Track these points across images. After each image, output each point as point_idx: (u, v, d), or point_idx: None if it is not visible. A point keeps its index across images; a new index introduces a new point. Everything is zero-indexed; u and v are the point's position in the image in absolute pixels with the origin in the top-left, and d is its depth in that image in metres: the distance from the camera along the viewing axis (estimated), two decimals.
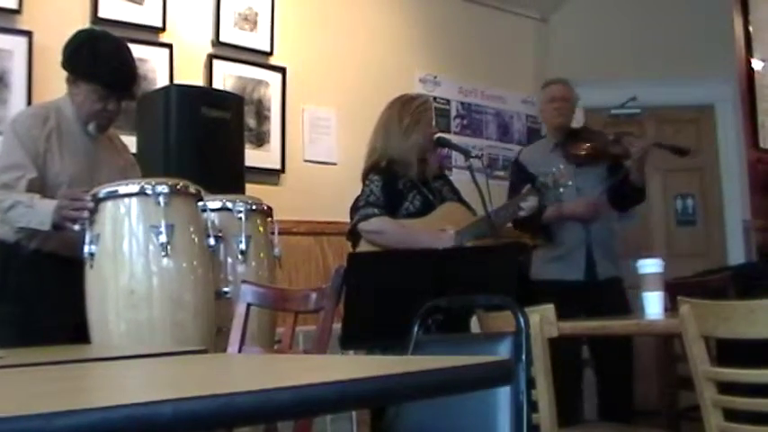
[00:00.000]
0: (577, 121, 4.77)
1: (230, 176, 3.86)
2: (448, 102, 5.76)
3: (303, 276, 4.69)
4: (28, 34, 3.95)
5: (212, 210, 3.01)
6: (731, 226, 6.15)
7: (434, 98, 5.57)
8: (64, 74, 3.12)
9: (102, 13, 4.19)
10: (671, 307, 2.98)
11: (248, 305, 2.56)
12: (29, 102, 3.87)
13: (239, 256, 3.04)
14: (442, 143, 4.01)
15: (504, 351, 1.81)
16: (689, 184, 6.26)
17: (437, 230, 3.65)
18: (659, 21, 6.16)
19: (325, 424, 4.12)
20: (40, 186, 2.96)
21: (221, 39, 4.67)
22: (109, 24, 4.09)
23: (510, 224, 4.13)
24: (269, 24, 4.85)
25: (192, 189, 2.80)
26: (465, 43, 5.87)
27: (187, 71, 4.49)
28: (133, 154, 3.65)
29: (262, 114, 4.79)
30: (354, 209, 3.75)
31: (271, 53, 4.86)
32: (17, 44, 3.93)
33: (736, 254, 6.03)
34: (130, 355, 1.74)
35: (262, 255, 3.13)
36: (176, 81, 4.35)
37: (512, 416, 1.75)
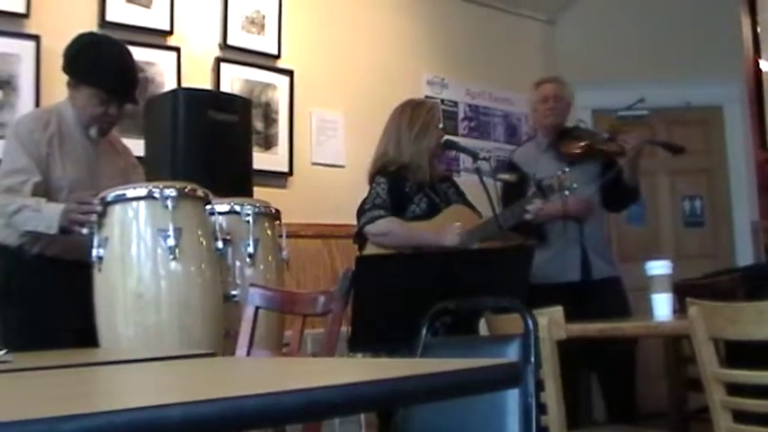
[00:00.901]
0: (586, 123, 4.75)
1: (238, 180, 3.86)
2: (455, 104, 5.75)
3: (311, 279, 4.69)
4: (36, 38, 3.96)
5: (220, 213, 3.02)
6: (739, 227, 6.13)
7: (442, 100, 5.58)
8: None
9: (109, 17, 4.20)
10: (679, 309, 2.97)
11: (256, 308, 2.55)
12: (36, 105, 3.88)
13: (247, 260, 3.05)
14: (450, 146, 4.01)
15: (512, 353, 1.80)
16: (697, 186, 6.25)
17: (441, 227, 3.66)
18: (667, 22, 6.15)
19: (333, 427, 4.12)
20: (45, 190, 2.97)
21: (229, 42, 4.67)
22: (116, 28, 4.10)
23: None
24: (276, 27, 4.85)
25: (200, 192, 2.81)
26: (472, 45, 5.86)
27: (195, 74, 4.49)
28: (140, 157, 3.66)
29: (269, 117, 4.79)
30: (360, 212, 3.76)
31: (278, 56, 4.87)
32: (25, 48, 3.94)
33: (745, 255, 6.01)
34: (138, 358, 1.74)
35: (270, 258, 3.14)
36: (184, 84, 4.36)
37: (520, 418, 1.75)
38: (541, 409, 2.19)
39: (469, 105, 5.84)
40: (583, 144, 4.26)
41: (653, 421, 4.46)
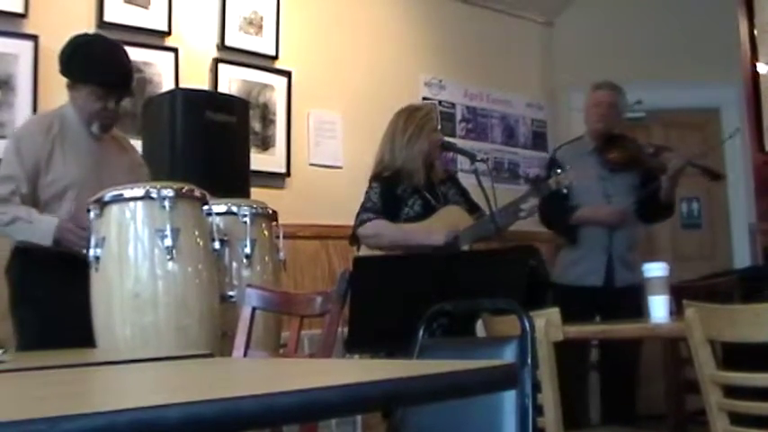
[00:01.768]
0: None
1: (235, 180, 3.86)
2: (453, 105, 5.75)
3: (308, 280, 4.69)
4: (34, 38, 3.96)
5: (217, 214, 3.02)
6: (737, 229, 6.13)
7: (440, 102, 5.58)
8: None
9: (107, 17, 4.20)
10: (677, 310, 2.98)
11: (253, 309, 2.55)
12: (34, 105, 3.89)
13: (244, 260, 3.04)
14: (448, 147, 4.04)
15: (509, 355, 1.81)
16: (694, 188, 6.23)
17: (430, 227, 3.69)
18: (664, 24, 6.15)
19: (330, 428, 4.12)
20: (33, 202, 3.05)
21: (227, 43, 4.67)
22: (114, 28, 4.10)
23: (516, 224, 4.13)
24: (274, 28, 4.85)
25: (198, 193, 2.81)
26: (470, 47, 5.86)
27: (192, 75, 4.49)
28: None
29: (267, 118, 4.79)
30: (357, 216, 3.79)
31: (276, 57, 4.87)
32: (23, 48, 3.94)
33: (742, 257, 6.02)
34: (135, 359, 1.74)
35: (267, 258, 3.14)
36: (182, 85, 4.36)
37: (517, 420, 1.75)
38: (538, 410, 2.19)
39: (467, 107, 5.84)
40: (627, 155, 4.33)
41: (650, 423, 4.47)
